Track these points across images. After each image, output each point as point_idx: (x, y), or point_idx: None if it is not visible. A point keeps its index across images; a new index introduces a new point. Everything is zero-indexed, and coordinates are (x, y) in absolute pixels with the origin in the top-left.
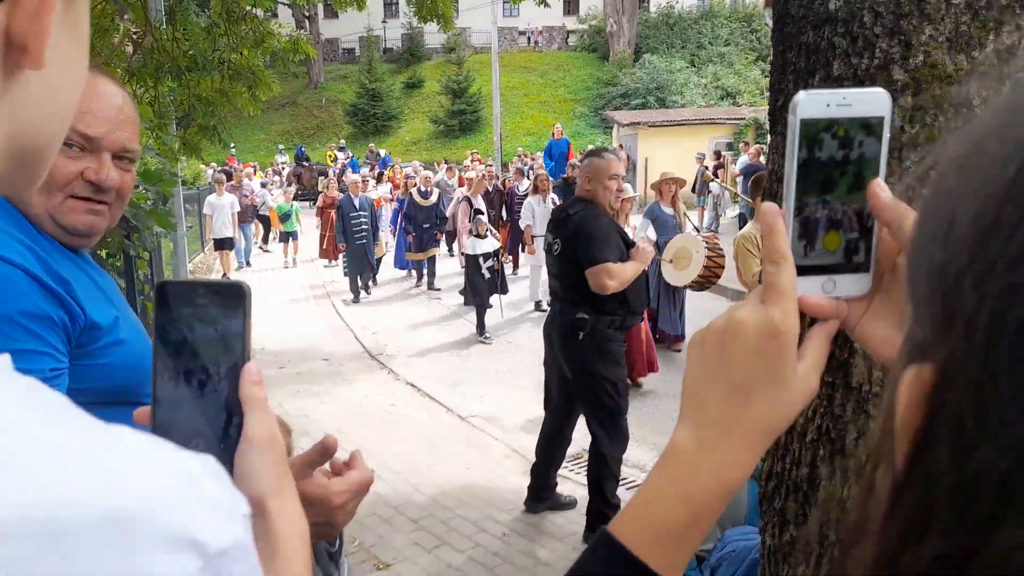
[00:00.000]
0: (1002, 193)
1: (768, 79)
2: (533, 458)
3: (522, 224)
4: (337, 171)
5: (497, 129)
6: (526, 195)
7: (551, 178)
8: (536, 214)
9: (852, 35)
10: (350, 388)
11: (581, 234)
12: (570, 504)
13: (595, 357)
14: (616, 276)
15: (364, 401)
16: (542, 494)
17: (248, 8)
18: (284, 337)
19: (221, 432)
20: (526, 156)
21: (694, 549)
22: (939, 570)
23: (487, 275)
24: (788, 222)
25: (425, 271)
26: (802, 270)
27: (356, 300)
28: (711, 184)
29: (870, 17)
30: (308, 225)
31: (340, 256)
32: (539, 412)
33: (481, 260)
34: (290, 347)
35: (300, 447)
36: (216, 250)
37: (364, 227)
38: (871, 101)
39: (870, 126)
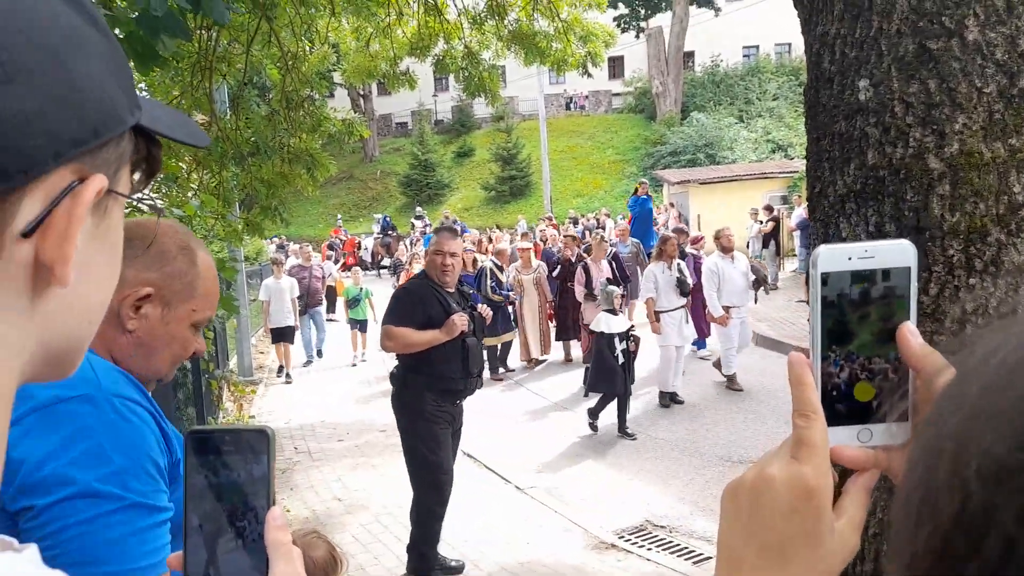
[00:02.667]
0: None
1: None
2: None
3: (643, 296)
4: (415, 241)
5: (547, 192)
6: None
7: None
8: (660, 283)
9: (884, 125)
10: None
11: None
12: (458, 569)
13: (406, 412)
14: (394, 338)
15: None
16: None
17: (306, 94)
18: (341, 411)
19: (249, 575)
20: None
21: None
22: None
23: (620, 358)
24: (816, 373)
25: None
26: (833, 421)
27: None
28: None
29: (901, 107)
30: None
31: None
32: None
33: (617, 341)
34: (347, 419)
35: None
36: (274, 342)
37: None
38: (895, 252)
39: (896, 276)
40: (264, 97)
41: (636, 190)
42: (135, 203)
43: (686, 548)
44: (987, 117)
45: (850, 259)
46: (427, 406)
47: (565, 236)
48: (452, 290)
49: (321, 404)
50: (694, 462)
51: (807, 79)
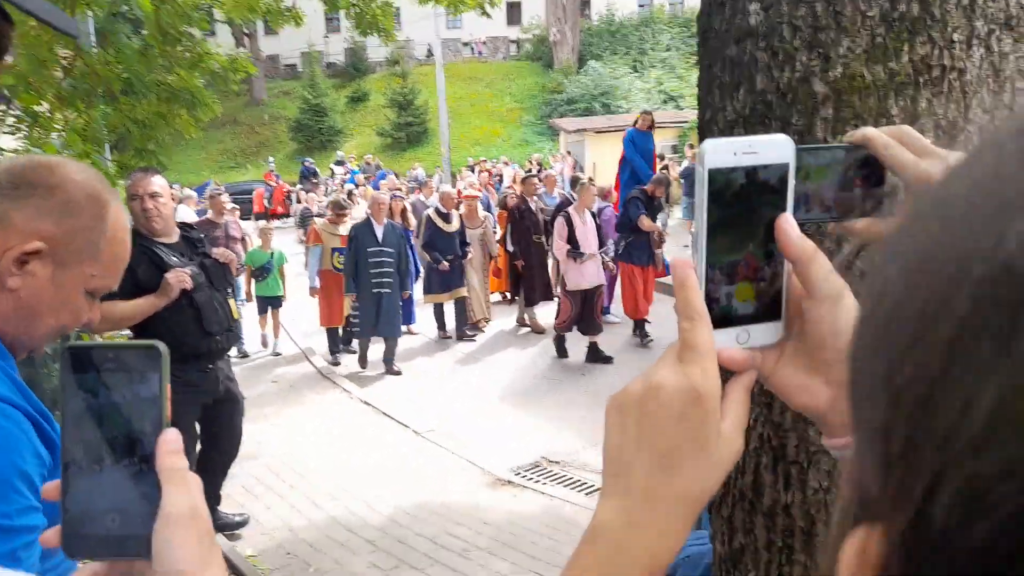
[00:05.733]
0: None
1: None
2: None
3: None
4: (336, 187)
5: (445, 139)
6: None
7: (641, 183)
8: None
9: (773, 49)
10: (299, 407)
11: None
12: (241, 523)
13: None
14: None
15: (317, 422)
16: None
17: (184, 29)
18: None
19: (139, 506)
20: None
21: None
22: None
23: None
24: (700, 275)
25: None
26: (716, 323)
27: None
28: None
29: (789, 31)
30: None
31: (348, 311)
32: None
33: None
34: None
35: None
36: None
37: (388, 270)
38: (777, 147)
39: (777, 172)
40: (137, 32)
41: (637, 122)
42: None
43: (579, 481)
44: (870, 40)
45: (735, 154)
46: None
47: (524, 179)
48: (172, 240)
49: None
50: (587, 401)
51: (701, 4)
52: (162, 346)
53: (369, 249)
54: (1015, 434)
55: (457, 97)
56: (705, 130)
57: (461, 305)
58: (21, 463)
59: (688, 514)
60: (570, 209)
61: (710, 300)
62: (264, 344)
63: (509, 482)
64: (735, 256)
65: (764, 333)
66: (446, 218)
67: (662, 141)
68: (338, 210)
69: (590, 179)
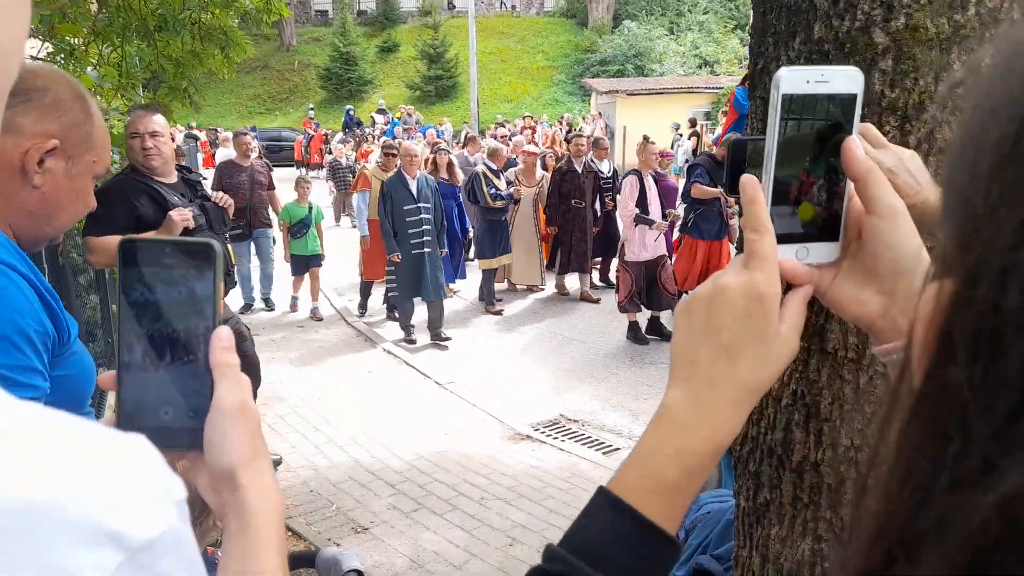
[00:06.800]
0: None
1: (747, 48)
2: (512, 423)
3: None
4: (376, 136)
5: (474, 95)
6: (610, 176)
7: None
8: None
9: None
10: (326, 354)
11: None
12: (275, 463)
13: None
14: (97, 251)
15: (341, 369)
16: None
17: None
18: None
19: (191, 400)
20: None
21: (689, 502)
22: (963, 475)
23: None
24: (767, 192)
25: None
26: (779, 238)
27: (410, 341)
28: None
29: None
30: (339, 239)
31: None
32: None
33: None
34: (264, 315)
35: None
36: None
37: (426, 228)
38: (847, 78)
39: (845, 101)
40: None
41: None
42: None
43: (597, 440)
44: None
45: (808, 82)
46: None
47: (574, 137)
48: (171, 180)
49: (233, 300)
50: (608, 363)
51: None
52: (216, 244)
53: (405, 207)
54: None
55: (488, 52)
56: (756, 80)
57: (490, 274)
58: (21, 322)
59: (745, 401)
60: (637, 167)
61: (775, 216)
62: (293, 308)
63: (528, 436)
64: (800, 177)
65: (823, 251)
66: (497, 174)
67: (696, 107)
68: (388, 151)
69: (645, 137)
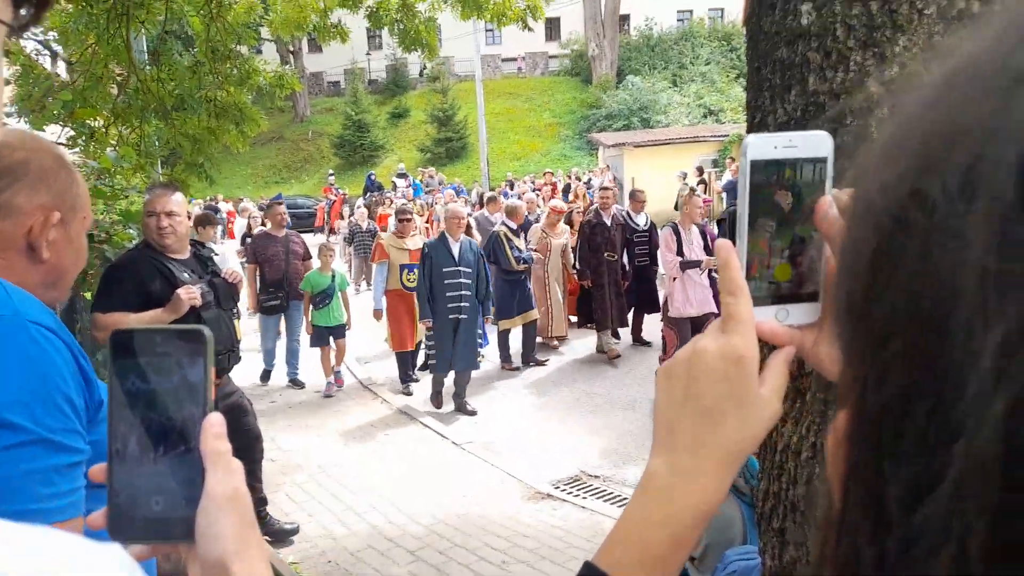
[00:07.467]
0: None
1: None
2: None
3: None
4: (391, 201)
5: (484, 154)
6: (647, 229)
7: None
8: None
9: (826, 49)
10: (343, 419)
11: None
12: (292, 532)
13: None
14: (104, 328)
15: (358, 433)
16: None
17: (232, 47)
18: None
19: (184, 489)
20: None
21: (677, 571)
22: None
23: None
24: (742, 255)
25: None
26: (756, 301)
27: (437, 405)
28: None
29: (843, 31)
30: (361, 307)
31: (420, 336)
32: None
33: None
34: (280, 381)
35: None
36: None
37: (465, 293)
38: (815, 143)
39: (815, 165)
40: (188, 49)
41: None
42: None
43: (619, 496)
44: (927, 39)
45: (775, 148)
46: None
47: (603, 189)
48: (183, 256)
49: (252, 365)
50: (627, 415)
51: (747, 8)
52: (207, 331)
53: (445, 269)
54: None
55: (496, 112)
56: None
57: (531, 328)
58: (64, 387)
59: (728, 466)
60: (676, 223)
61: (751, 280)
62: (328, 393)
63: (548, 495)
64: (774, 240)
65: (803, 312)
66: (516, 233)
67: (702, 155)
68: (403, 216)
69: (692, 189)
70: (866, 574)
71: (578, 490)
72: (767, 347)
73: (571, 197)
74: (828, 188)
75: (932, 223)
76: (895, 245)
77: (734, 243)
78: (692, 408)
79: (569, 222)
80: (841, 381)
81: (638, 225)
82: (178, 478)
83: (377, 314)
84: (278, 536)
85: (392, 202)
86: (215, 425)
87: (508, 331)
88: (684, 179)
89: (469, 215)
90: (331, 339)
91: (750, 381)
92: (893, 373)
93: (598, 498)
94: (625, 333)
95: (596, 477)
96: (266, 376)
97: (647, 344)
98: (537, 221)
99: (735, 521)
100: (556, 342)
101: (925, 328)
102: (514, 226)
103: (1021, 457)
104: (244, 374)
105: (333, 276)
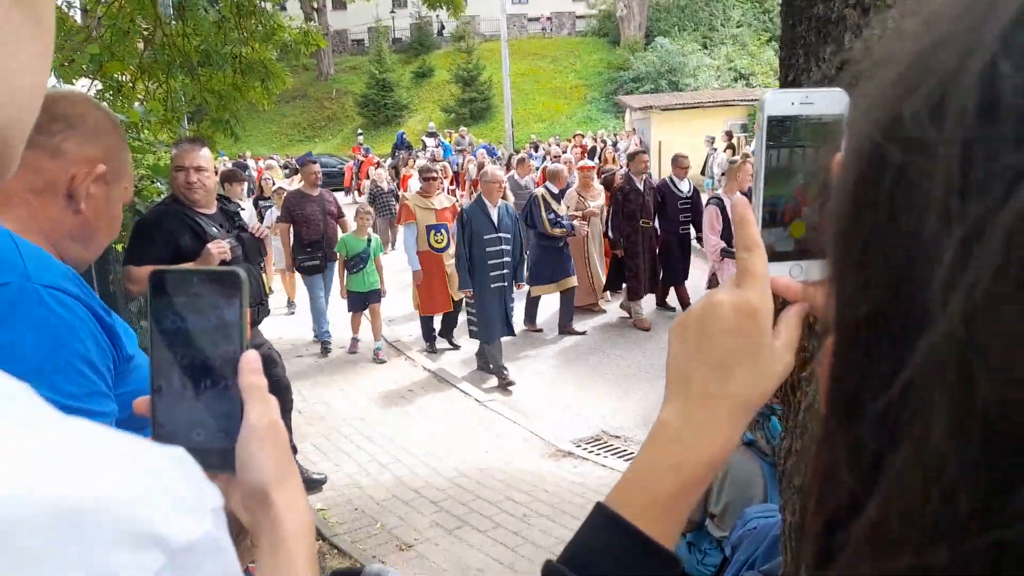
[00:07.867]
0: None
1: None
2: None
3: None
4: (429, 159)
5: (508, 116)
6: (690, 196)
7: None
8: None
9: (863, 5)
10: (370, 376)
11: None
12: (321, 481)
13: None
14: (137, 281)
15: (383, 388)
16: None
17: (257, 2)
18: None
19: (222, 421)
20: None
21: (685, 518)
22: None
23: None
24: (758, 212)
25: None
26: (772, 257)
27: (505, 384)
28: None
29: None
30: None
31: (461, 303)
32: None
33: None
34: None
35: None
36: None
37: (507, 260)
38: (832, 99)
39: (832, 122)
40: (213, 4)
41: None
42: None
43: (615, 447)
44: None
45: (793, 104)
46: None
47: (633, 154)
48: (211, 211)
49: (281, 321)
50: (653, 381)
51: None
52: (242, 272)
53: (486, 236)
54: None
55: (521, 73)
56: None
57: (569, 295)
58: (83, 349)
59: (740, 417)
60: (721, 194)
61: (767, 236)
62: (353, 348)
63: (570, 453)
64: (790, 196)
65: (817, 268)
66: (557, 198)
67: (731, 120)
68: (427, 175)
69: (745, 155)
70: (843, 476)
71: (599, 449)
72: (782, 303)
73: (599, 161)
74: (843, 144)
75: (908, 143)
76: (875, 169)
77: (750, 200)
78: (705, 360)
79: (606, 184)
80: (827, 304)
81: (681, 192)
82: (216, 412)
83: (417, 275)
84: (307, 485)
85: (414, 162)
86: (252, 361)
87: (539, 297)
88: (712, 144)
89: None
90: (366, 304)
91: (763, 334)
92: (873, 287)
93: (618, 457)
94: (649, 298)
95: (617, 437)
96: (325, 350)
97: (671, 310)
98: (569, 187)
99: (756, 479)
100: (596, 306)
101: (901, 244)
102: (556, 190)
103: (978, 340)
104: (273, 330)
105: (369, 240)
